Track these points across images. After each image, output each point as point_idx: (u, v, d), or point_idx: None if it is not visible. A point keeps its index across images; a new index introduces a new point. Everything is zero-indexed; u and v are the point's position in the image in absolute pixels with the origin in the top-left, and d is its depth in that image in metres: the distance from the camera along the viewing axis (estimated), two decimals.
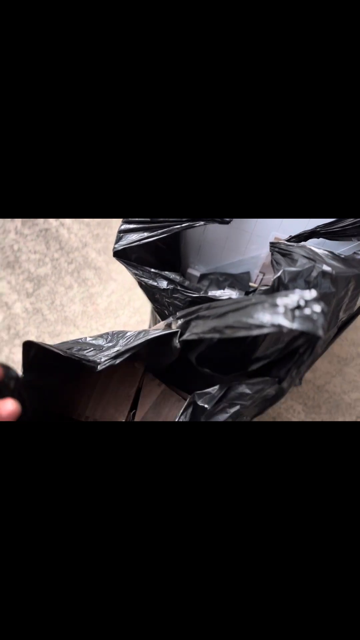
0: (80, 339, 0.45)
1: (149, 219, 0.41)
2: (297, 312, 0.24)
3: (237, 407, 0.37)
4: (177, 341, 0.36)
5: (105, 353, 0.39)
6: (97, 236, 0.92)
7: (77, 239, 0.91)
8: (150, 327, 0.65)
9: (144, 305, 0.85)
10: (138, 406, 0.48)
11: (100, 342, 0.43)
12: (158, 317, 0.48)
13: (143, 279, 0.42)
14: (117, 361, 0.38)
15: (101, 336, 0.44)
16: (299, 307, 0.25)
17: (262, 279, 0.57)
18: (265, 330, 0.26)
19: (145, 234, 0.42)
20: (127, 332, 0.42)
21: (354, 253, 0.37)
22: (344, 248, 0.48)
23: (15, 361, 0.78)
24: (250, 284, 0.56)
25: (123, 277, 0.88)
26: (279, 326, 0.24)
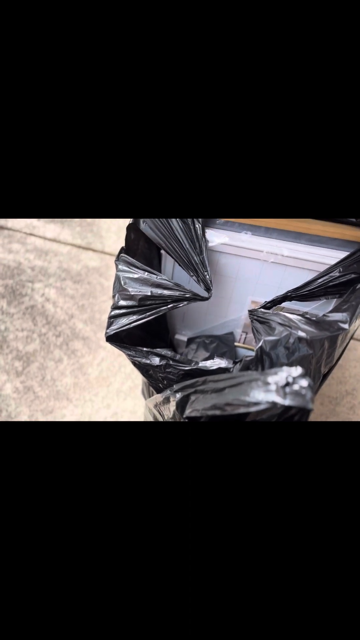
0: None
1: (136, 304, 0.45)
2: (287, 389, 0.27)
3: None
4: (178, 415, 0.38)
5: None
6: (82, 307, 0.95)
7: (62, 312, 0.94)
8: (144, 395, 0.67)
9: (135, 370, 0.87)
10: None
11: None
12: (152, 390, 0.50)
13: (136, 358, 0.44)
14: None
15: None
16: (288, 384, 0.27)
17: (245, 338, 0.61)
18: (261, 407, 0.29)
19: (135, 317, 0.45)
20: None
21: (324, 315, 0.41)
22: (314, 305, 0.52)
23: None
24: (235, 343, 0.60)
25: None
26: (273, 403, 0.27)
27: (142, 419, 0.78)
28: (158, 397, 0.46)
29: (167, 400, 0.43)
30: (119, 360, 0.87)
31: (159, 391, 0.50)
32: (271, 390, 0.27)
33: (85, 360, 0.87)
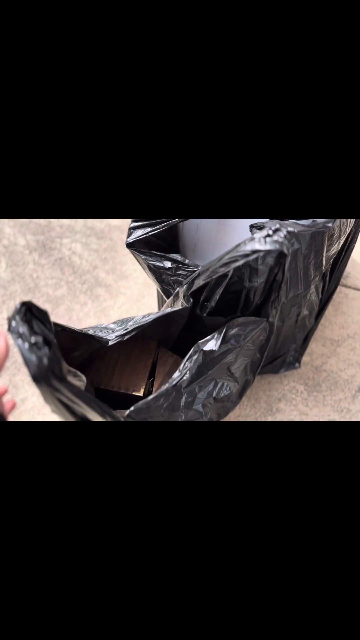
0: (98, 325, 0.54)
1: (151, 220, 0.53)
2: (267, 239, 0.34)
3: (237, 349, 0.45)
4: (187, 296, 0.45)
5: (115, 334, 0.48)
6: (104, 259, 1.04)
7: (87, 263, 1.04)
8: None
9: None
10: (155, 375, 0.56)
11: (112, 326, 0.52)
12: (165, 298, 0.58)
13: (151, 262, 0.52)
14: (126, 337, 0.47)
15: (114, 322, 0.53)
16: (268, 235, 0.35)
17: None
18: (250, 258, 0.36)
19: (148, 229, 0.53)
20: (135, 317, 0.51)
21: (313, 220, 0.47)
22: None
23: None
24: None
25: (131, 292, 0.99)
26: (257, 250, 0.34)
27: None
28: (169, 300, 0.54)
29: (176, 297, 0.51)
30: (137, 305, 0.96)
31: (168, 297, 0.58)
32: (255, 241, 0.35)
33: (107, 304, 0.97)
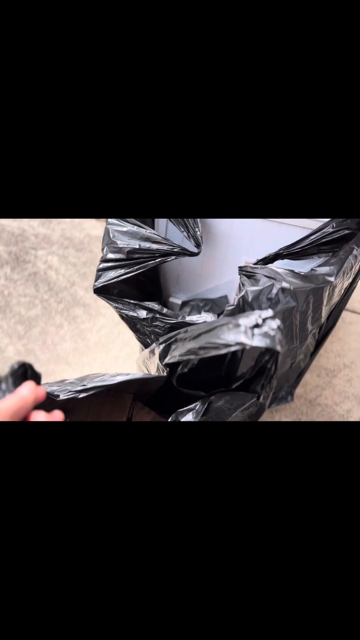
0: (66, 380, 0.47)
1: (124, 257, 0.45)
2: (256, 330, 0.27)
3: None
4: (161, 366, 0.38)
5: (69, 388, 0.41)
6: (83, 275, 0.96)
7: (64, 279, 0.95)
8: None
9: (134, 337, 0.88)
10: None
11: (75, 381, 0.45)
12: (142, 347, 0.51)
13: (123, 311, 0.45)
14: (80, 395, 0.40)
15: (80, 378, 0.46)
16: (257, 325, 0.27)
17: None
18: (232, 349, 0.29)
19: (123, 271, 0.45)
20: (104, 375, 0.44)
21: (312, 270, 0.40)
22: (308, 266, 0.51)
23: None
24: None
25: (112, 312, 0.91)
26: (242, 344, 0.27)
27: None
28: (145, 353, 0.47)
29: (152, 353, 0.44)
30: (118, 328, 0.88)
31: (147, 347, 0.51)
32: (241, 331, 0.27)
33: (85, 326, 0.89)
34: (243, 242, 0.52)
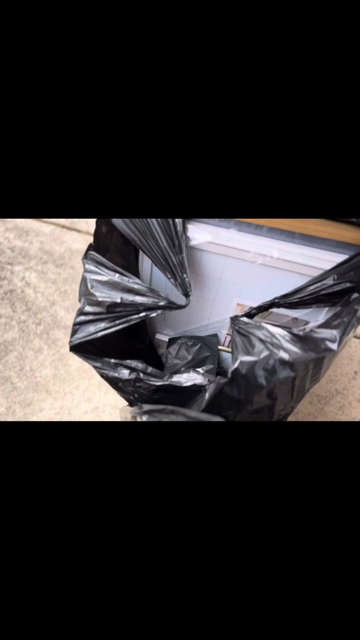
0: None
1: (104, 311, 0.40)
2: None
3: None
4: None
5: None
6: (64, 293, 0.90)
7: (43, 298, 0.89)
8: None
9: None
10: None
11: None
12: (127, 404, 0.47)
13: (104, 371, 0.40)
14: None
15: None
16: None
17: (230, 340, 0.56)
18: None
19: (103, 325, 0.41)
20: None
21: (312, 331, 0.37)
22: (304, 312, 0.48)
23: None
24: (219, 347, 0.56)
25: None
26: None
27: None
28: (128, 413, 0.43)
29: (134, 419, 0.40)
30: None
31: (130, 403, 0.46)
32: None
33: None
34: (234, 286, 0.48)
